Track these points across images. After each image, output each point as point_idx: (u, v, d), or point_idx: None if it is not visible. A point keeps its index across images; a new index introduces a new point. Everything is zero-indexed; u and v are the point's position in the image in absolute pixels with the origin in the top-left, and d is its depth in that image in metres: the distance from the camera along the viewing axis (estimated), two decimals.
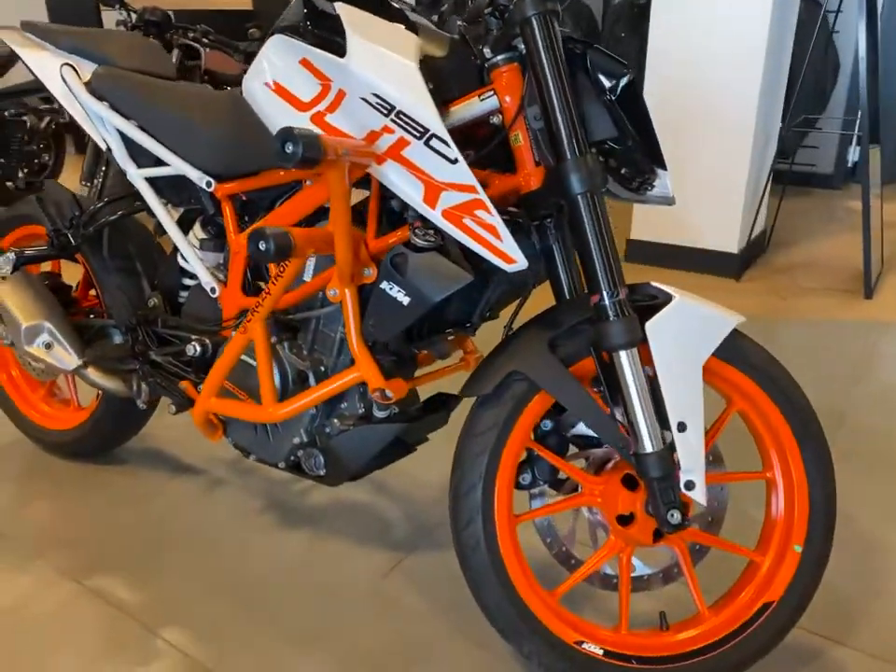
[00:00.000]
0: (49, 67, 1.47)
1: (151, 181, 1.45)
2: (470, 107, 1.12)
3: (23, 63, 1.49)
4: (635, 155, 1.12)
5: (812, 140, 4.72)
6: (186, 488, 1.71)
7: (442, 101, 1.11)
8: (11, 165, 4.08)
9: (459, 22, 1.18)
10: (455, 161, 1.01)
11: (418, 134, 1.02)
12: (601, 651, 1.12)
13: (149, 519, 1.61)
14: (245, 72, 4.36)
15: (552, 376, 1.08)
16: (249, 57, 4.19)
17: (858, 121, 4.26)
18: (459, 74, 1.14)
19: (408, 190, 1.06)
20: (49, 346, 1.47)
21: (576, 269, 1.23)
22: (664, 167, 1.14)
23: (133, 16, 3.40)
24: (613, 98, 1.07)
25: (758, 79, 2.81)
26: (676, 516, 1.06)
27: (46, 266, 1.75)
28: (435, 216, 1.05)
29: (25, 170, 4.16)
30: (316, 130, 1.12)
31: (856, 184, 5.04)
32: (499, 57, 1.10)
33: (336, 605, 1.38)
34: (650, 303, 1.07)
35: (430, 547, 1.52)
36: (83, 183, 3.25)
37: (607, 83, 1.07)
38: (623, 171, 1.15)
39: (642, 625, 1.26)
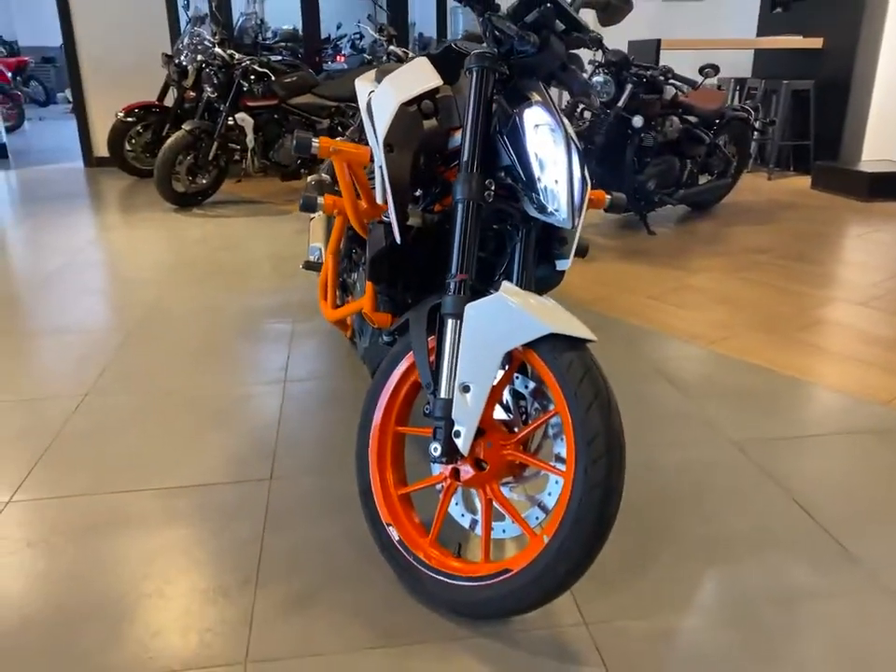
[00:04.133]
0: (363, 93, 2.35)
1: None
2: (460, 135, 1.55)
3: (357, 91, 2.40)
4: (529, 183, 1.39)
5: None
6: None
7: (451, 127, 1.58)
8: None
9: None
10: (381, 164, 1.49)
11: (376, 142, 1.53)
12: (397, 538, 1.49)
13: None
14: (730, 107, 4.86)
15: (416, 326, 1.47)
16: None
17: None
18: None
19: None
20: (318, 258, 2.40)
21: (530, 270, 1.53)
22: (562, 196, 1.36)
23: (603, 55, 4.14)
24: (504, 134, 1.38)
25: None
26: (437, 449, 1.36)
27: None
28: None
29: None
30: None
31: None
32: None
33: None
34: (488, 293, 1.37)
35: None
36: None
37: (503, 122, 1.39)
38: (525, 193, 1.42)
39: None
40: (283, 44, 6.35)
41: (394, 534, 1.50)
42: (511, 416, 1.46)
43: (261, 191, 5.87)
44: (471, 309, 1.35)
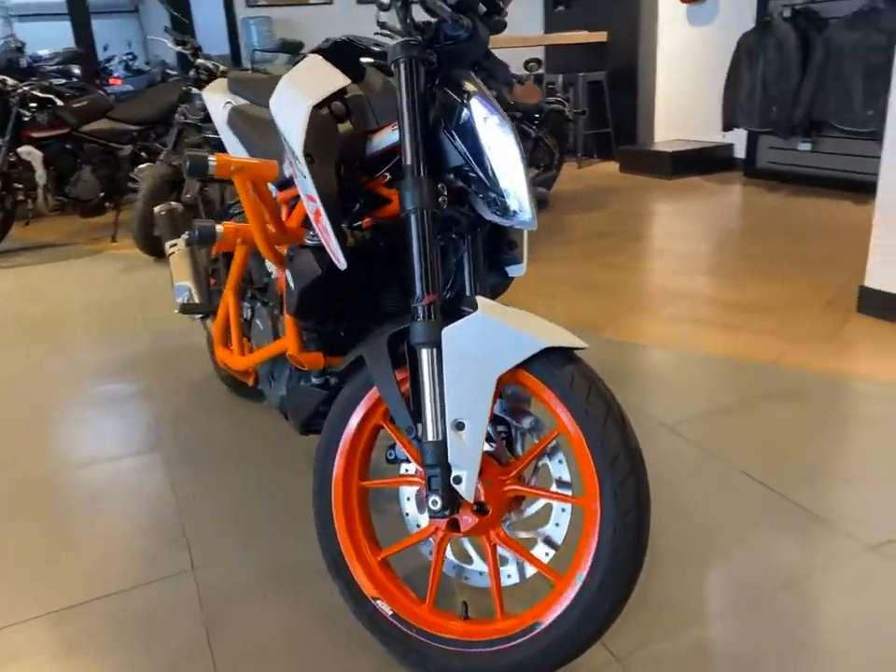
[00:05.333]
0: (218, 105, 2.06)
1: None
2: (385, 137, 1.35)
3: (206, 103, 2.10)
4: (485, 182, 1.24)
5: None
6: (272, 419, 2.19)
7: (367, 130, 1.37)
8: None
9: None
10: (305, 177, 1.27)
11: (293, 155, 1.30)
12: (390, 613, 1.27)
13: (249, 434, 2.12)
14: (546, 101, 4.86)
15: (377, 363, 1.26)
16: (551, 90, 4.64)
17: None
18: (386, 108, 1.38)
19: (304, 198, 1.35)
20: (188, 300, 2.08)
21: (483, 280, 1.37)
22: (518, 195, 1.21)
23: None
24: (452, 131, 1.22)
25: None
26: (438, 503, 1.17)
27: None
28: (312, 219, 1.32)
29: None
30: None
31: None
32: None
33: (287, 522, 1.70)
34: (463, 313, 1.19)
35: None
36: None
37: (447, 118, 1.22)
38: (480, 195, 1.27)
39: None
40: (59, 66, 5.64)
41: (385, 608, 1.28)
42: (495, 445, 1.30)
43: (61, 232, 5.17)
44: (451, 334, 1.16)
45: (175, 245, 2.16)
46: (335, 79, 1.37)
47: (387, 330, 1.29)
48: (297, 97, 1.32)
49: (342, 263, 1.25)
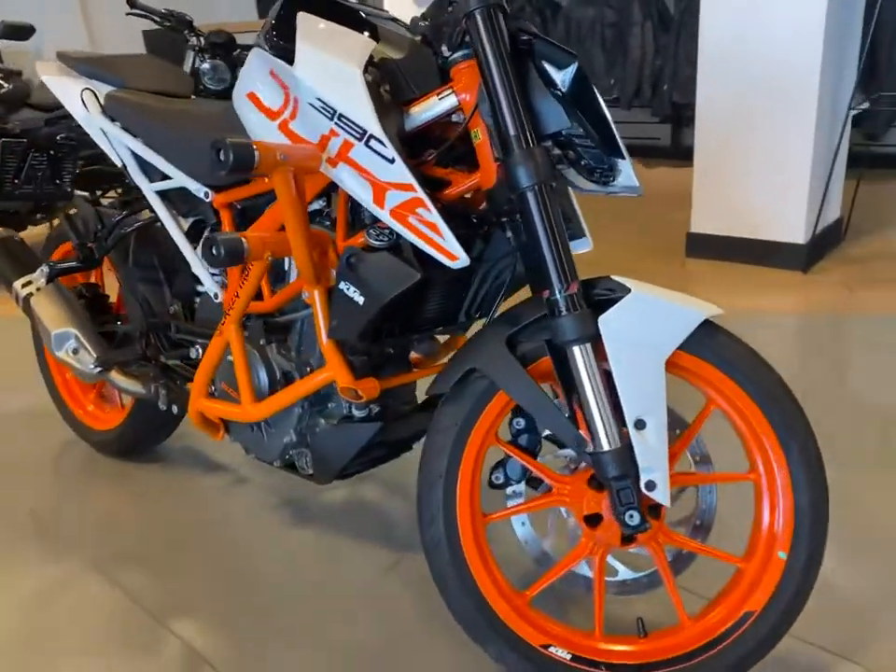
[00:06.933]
0: (72, 93, 1.59)
1: (163, 194, 1.53)
2: (430, 107, 1.12)
3: (52, 91, 1.61)
4: (593, 146, 1.09)
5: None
6: (211, 485, 1.79)
7: (403, 101, 1.13)
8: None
9: (421, 22, 1.19)
10: (392, 161, 1.01)
11: (358, 136, 1.03)
12: (569, 656, 1.09)
13: (175, 515, 1.69)
14: None
15: (506, 373, 1.06)
16: None
17: None
18: (420, 74, 1.14)
19: (359, 192, 1.07)
20: (75, 352, 1.58)
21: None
22: (622, 157, 1.09)
23: (202, 40, 3.58)
24: (563, 89, 1.05)
25: (818, 52, 2.64)
26: (635, 517, 1.02)
27: (91, 278, 1.89)
28: (384, 215, 1.06)
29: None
30: (284, 138, 1.16)
31: None
32: (457, 54, 1.10)
33: (331, 602, 1.41)
34: (608, 297, 1.04)
35: None
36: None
37: (555, 74, 1.05)
38: (582, 162, 1.12)
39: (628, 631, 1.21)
40: None
41: (561, 653, 1.09)
42: None
43: None
44: (610, 322, 1.01)
45: (30, 283, 1.63)
46: (360, 39, 1.10)
47: (498, 333, 1.09)
48: (335, 63, 1.04)
49: (462, 259, 1.01)
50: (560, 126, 1.07)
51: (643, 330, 1.02)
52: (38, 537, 1.64)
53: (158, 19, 3.45)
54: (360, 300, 1.10)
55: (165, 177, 1.50)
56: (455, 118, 1.14)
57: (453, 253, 1.01)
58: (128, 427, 1.82)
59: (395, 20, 1.27)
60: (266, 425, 1.38)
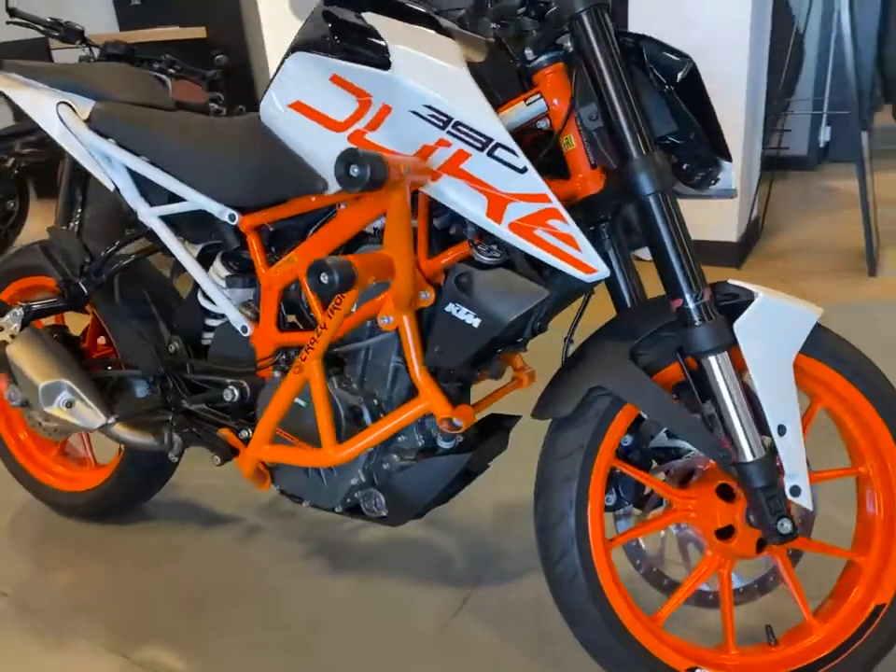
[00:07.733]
0: (45, 107, 1.38)
1: (165, 219, 1.36)
2: (518, 113, 1.05)
3: (18, 106, 1.39)
4: (697, 148, 1.06)
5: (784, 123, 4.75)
6: (219, 539, 1.61)
7: (495, 105, 1.05)
8: None
9: (493, 25, 1.12)
10: (523, 171, 0.94)
11: (480, 145, 0.95)
12: None
13: (183, 577, 1.50)
14: (211, 100, 4.21)
15: (639, 389, 1.01)
16: (213, 85, 4.09)
17: (826, 102, 4.31)
18: (501, 78, 1.07)
19: (468, 206, 0.99)
20: (70, 405, 1.36)
21: (634, 273, 1.17)
22: (728, 158, 1.08)
23: (96, 51, 3.29)
24: (672, 90, 1.01)
25: (744, 64, 2.80)
26: (786, 525, 0.99)
27: (49, 319, 1.64)
28: (501, 230, 0.97)
29: None
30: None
31: (830, 163, 5.10)
32: (543, 58, 1.03)
33: (401, 648, 1.29)
34: (734, 303, 1.02)
35: (496, 579, 1.44)
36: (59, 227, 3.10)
37: (665, 75, 1.01)
38: (685, 166, 1.09)
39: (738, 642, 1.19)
40: None
41: None
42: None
43: None
44: (746, 328, 0.98)
45: (1, 329, 1.40)
46: (445, 41, 1.02)
47: (618, 347, 1.03)
48: (445, 68, 0.96)
49: (602, 271, 0.95)
50: (668, 129, 1.03)
51: (774, 334, 1.00)
52: (26, 623, 1.40)
53: (43, 28, 3.12)
54: (475, 322, 1.01)
55: (172, 199, 1.33)
56: (541, 124, 1.08)
57: (591, 266, 0.95)
58: (116, 482, 1.60)
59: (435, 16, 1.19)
60: (326, 468, 1.24)
